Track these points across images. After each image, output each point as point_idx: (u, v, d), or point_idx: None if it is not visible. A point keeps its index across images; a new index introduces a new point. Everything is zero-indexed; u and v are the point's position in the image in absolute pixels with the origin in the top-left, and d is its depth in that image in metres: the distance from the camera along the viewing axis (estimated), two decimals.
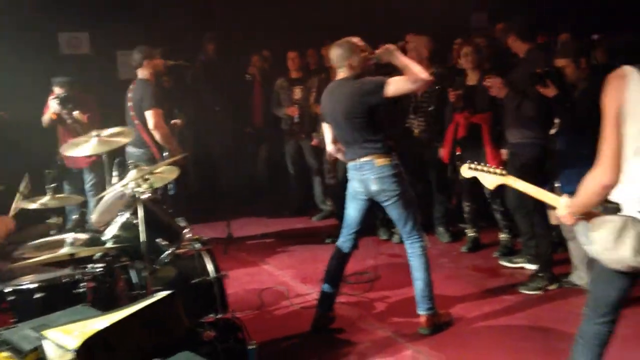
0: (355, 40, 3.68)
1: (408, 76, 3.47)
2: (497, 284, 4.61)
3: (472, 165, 3.01)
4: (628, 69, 2.27)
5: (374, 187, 3.67)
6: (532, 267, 4.68)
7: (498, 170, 2.91)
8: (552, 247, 4.55)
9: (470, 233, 5.46)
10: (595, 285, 2.54)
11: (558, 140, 4.13)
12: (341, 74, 3.71)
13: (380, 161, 3.63)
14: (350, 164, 3.78)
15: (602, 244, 2.28)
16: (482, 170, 2.96)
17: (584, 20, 6.92)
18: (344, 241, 3.94)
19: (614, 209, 2.28)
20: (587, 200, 2.33)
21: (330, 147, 3.96)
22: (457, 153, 5.14)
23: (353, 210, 3.87)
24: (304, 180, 6.94)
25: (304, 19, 7.33)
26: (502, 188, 4.76)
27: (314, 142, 6.33)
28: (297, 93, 6.48)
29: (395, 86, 3.49)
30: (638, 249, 2.19)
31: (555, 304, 4.16)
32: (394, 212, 3.74)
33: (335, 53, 3.69)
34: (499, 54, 5.42)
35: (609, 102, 2.27)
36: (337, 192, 5.86)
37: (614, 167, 2.24)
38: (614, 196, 2.29)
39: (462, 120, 5.06)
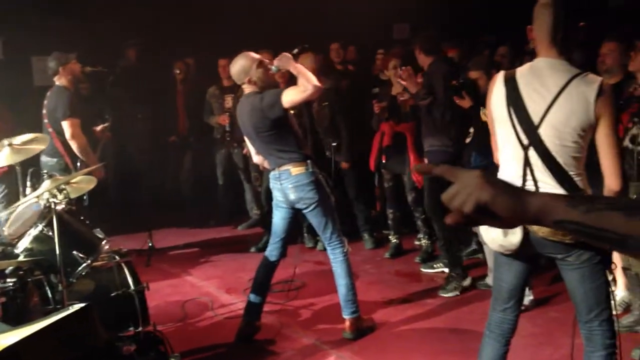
0: (252, 54, 3.71)
1: (299, 85, 3.53)
2: (419, 288, 4.75)
3: None
4: (497, 76, 2.51)
5: (292, 196, 3.72)
6: (458, 271, 4.85)
7: None
8: (458, 246, 4.78)
9: (393, 239, 5.59)
10: (495, 273, 2.70)
11: (472, 149, 4.32)
12: (246, 89, 3.73)
13: (296, 170, 3.68)
14: (271, 174, 3.82)
15: (481, 226, 2.49)
16: None
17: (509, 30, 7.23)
18: (271, 250, 3.96)
19: None
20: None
21: (255, 158, 3.98)
22: (383, 161, 5.28)
23: (278, 219, 3.91)
24: (232, 190, 6.89)
25: (233, 26, 7.28)
26: (422, 194, 5.00)
27: (245, 150, 6.29)
28: (229, 101, 6.44)
29: (289, 97, 3.54)
30: (506, 230, 2.37)
31: (472, 306, 4.32)
32: (314, 219, 3.80)
33: (233, 70, 3.72)
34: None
35: (488, 104, 2.55)
36: (263, 200, 5.89)
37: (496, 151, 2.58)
38: None
39: (387, 130, 5.20)
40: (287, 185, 3.70)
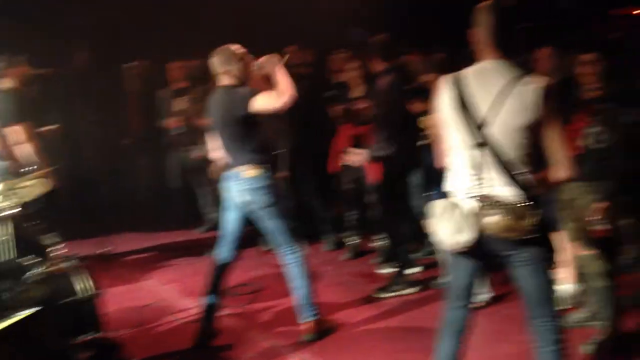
0: (234, 48, 3.71)
1: (277, 91, 3.52)
2: (379, 285, 4.78)
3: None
4: (442, 79, 2.58)
5: (246, 198, 3.71)
6: (412, 270, 4.91)
7: None
8: (405, 243, 4.84)
9: (352, 241, 5.63)
10: (448, 271, 2.78)
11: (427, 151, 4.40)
12: (222, 80, 3.73)
13: (254, 172, 3.67)
14: (226, 173, 3.80)
15: (433, 226, 2.56)
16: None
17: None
18: (224, 251, 3.92)
19: (448, 194, 2.59)
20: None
21: (214, 153, 3.94)
22: (342, 163, 5.32)
23: (231, 219, 3.88)
24: (187, 193, 6.81)
25: (188, 28, 7.21)
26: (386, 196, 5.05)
27: (197, 154, 6.23)
28: (180, 104, 6.37)
29: (261, 103, 3.54)
30: (457, 229, 2.46)
31: (429, 304, 4.37)
32: (267, 222, 3.79)
33: (214, 61, 3.71)
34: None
35: (436, 108, 2.61)
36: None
37: (444, 155, 2.65)
38: (449, 183, 2.60)
39: (344, 132, 5.24)
40: (243, 186, 3.69)
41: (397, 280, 4.64)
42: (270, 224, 3.79)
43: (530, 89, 2.40)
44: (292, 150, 5.46)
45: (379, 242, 5.50)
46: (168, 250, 6.06)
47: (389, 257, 5.37)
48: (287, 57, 3.85)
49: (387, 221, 4.84)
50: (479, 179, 2.48)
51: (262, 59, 3.66)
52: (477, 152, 2.47)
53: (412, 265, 4.93)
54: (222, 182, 3.90)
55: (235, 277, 4.62)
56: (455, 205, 2.50)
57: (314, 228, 6.07)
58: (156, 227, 6.81)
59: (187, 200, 6.83)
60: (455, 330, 2.73)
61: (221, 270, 3.93)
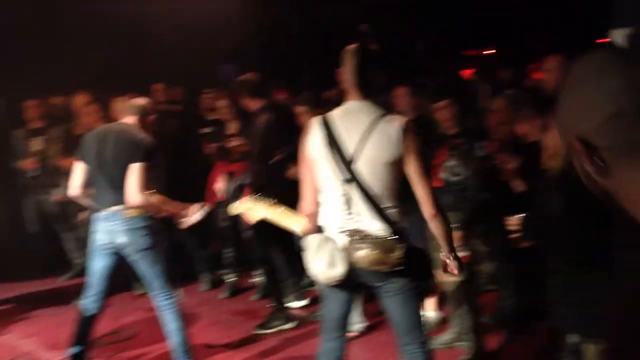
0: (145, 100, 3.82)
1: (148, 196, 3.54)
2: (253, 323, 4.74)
3: (243, 201, 3.48)
4: (313, 120, 2.70)
5: (122, 239, 3.53)
6: (298, 304, 4.95)
7: (269, 200, 3.39)
8: (283, 278, 4.90)
9: (230, 278, 5.55)
10: (323, 303, 2.86)
11: None
12: (125, 120, 3.68)
13: (132, 212, 3.52)
14: (97, 214, 3.60)
15: (306, 260, 2.64)
16: (257, 202, 3.41)
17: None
18: (91, 300, 3.70)
19: (320, 229, 2.67)
20: (305, 226, 2.76)
21: (75, 192, 3.72)
22: (217, 200, 5.27)
23: (99, 266, 3.66)
24: (49, 238, 6.37)
25: (50, 66, 6.84)
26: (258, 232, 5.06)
27: (57, 197, 5.87)
28: (37, 144, 6.00)
29: (136, 177, 3.47)
30: (329, 263, 2.56)
31: (310, 338, 4.38)
32: (143, 266, 3.62)
33: (132, 102, 3.72)
34: None
35: (306, 148, 2.69)
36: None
37: (312, 201, 2.70)
38: (320, 219, 2.69)
39: (220, 169, 5.22)
40: (119, 227, 3.51)
41: (277, 315, 4.64)
42: (147, 268, 3.61)
43: (392, 126, 2.57)
44: (166, 188, 5.30)
45: (257, 278, 5.49)
46: (29, 301, 5.59)
47: (267, 292, 5.37)
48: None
49: (266, 257, 4.85)
50: (349, 213, 2.59)
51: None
52: (346, 188, 2.58)
53: (291, 299, 4.96)
54: (92, 224, 3.70)
55: (105, 325, 4.39)
56: (327, 240, 2.59)
57: (190, 267, 5.94)
58: (15, 276, 6.25)
59: (50, 246, 6.39)
60: (332, 357, 2.80)
61: (89, 320, 3.70)
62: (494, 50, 11.62)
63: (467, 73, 5.56)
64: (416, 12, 8.70)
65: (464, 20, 9.30)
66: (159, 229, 3.64)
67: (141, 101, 3.78)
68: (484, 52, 11.56)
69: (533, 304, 4.40)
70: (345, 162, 2.57)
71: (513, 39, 9.61)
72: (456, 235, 3.61)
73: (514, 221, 2.76)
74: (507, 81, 6.21)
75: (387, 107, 2.81)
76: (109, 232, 3.55)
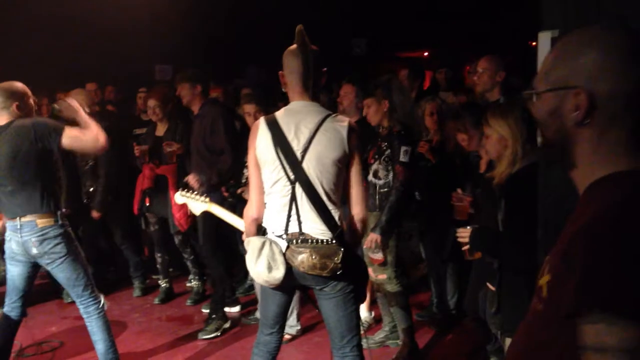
0: (22, 85, 3.42)
1: (90, 136, 3.28)
2: (190, 330, 4.64)
3: (182, 193, 3.63)
4: (259, 121, 2.65)
5: (35, 250, 3.32)
6: (234, 309, 4.87)
7: (203, 198, 3.58)
8: (230, 285, 4.85)
9: (162, 284, 5.41)
10: (261, 302, 2.88)
11: None
12: (5, 117, 3.34)
13: (43, 222, 3.31)
14: (8, 223, 3.38)
15: (247, 261, 2.60)
16: (191, 198, 3.59)
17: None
18: (10, 309, 3.51)
19: (263, 232, 2.64)
20: (247, 230, 2.71)
21: None
22: (146, 204, 5.10)
23: (15, 274, 3.46)
24: None
25: None
26: (188, 236, 4.97)
27: None
28: None
29: (73, 140, 3.28)
30: (270, 266, 2.53)
31: (244, 340, 4.35)
32: (61, 275, 3.43)
33: (2, 92, 3.34)
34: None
35: (249, 150, 2.65)
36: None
37: (258, 202, 2.66)
38: (264, 221, 2.66)
39: (147, 172, 5.06)
40: (31, 238, 3.29)
41: (214, 319, 4.55)
42: (64, 276, 3.44)
43: (340, 126, 2.57)
44: (101, 191, 5.12)
45: (192, 282, 5.37)
46: None
47: (202, 297, 5.27)
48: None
49: (206, 260, 4.77)
50: (292, 215, 2.57)
51: (61, 104, 3.47)
52: (293, 187, 2.55)
53: (230, 303, 4.88)
54: (5, 233, 3.47)
55: (31, 334, 4.20)
56: (269, 242, 2.55)
57: (122, 273, 5.76)
58: None
59: None
60: (267, 351, 2.82)
61: (7, 329, 3.52)
62: (427, 53, 11.86)
63: (402, 74, 5.59)
64: (353, 12, 8.76)
65: (401, 21, 9.43)
66: (72, 237, 3.45)
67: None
68: (417, 54, 11.80)
69: (461, 303, 4.54)
70: (292, 162, 2.54)
71: (446, 42, 9.82)
72: (372, 237, 3.64)
73: (464, 233, 2.73)
74: (442, 82, 6.33)
75: (330, 108, 2.80)
76: (20, 243, 3.33)
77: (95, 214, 5.17)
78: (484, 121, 2.77)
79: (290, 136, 2.55)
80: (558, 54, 1.14)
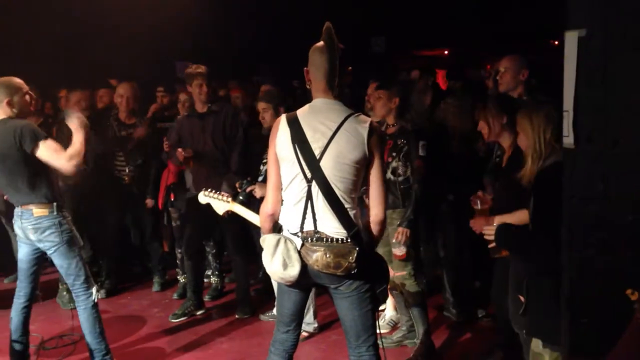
0: (19, 80, 3.52)
1: (67, 152, 3.40)
2: (207, 326, 4.66)
3: (206, 193, 3.63)
4: (281, 118, 2.64)
5: (32, 237, 3.53)
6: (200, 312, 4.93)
7: (225, 198, 3.58)
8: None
9: (181, 279, 5.44)
10: (277, 299, 2.86)
11: None
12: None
13: (39, 211, 3.49)
14: (15, 209, 3.59)
15: (263, 258, 2.60)
16: (214, 197, 3.59)
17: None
18: (19, 289, 3.66)
19: (279, 229, 2.64)
20: (263, 227, 2.73)
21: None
22: (171, 199, 5.15)
23: (23, 255, 3.65)
24: None
25: None
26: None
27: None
28: None
29: (47, 153, 3.39)
30: (285, 263, 2.52)
31: (260, 337, 4.36)
32: (56, 261, 3.63)
33: None
34: None
35: (269, 146, 2.65)
36: None
37: (275, 199, 2.65)
38: (280, 219, 2.66)
39: (172, 167, 5.11)
40: (27, 225, 3.50)
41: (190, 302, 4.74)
42: (59, 263, 3.62)
43: (361, 126, 2.56)
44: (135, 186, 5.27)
45: (210, 278, 5.40)
46: None
47: (220, 293, 5.30)
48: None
49: (231, 254, 4.84)
50: (307, 213, 2.56)
51: (72, 114, 3.58)
52: (310, 186, 2.54)
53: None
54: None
55: (53, 327, 4.25)
56: (284, 240, 2.54)
57: (144, 268, 5.81)
58: None
59: None
60: (284, 350, 2.81)
61: (21, 312, 3.65)
62: (447, 51, 11.79)
63: (413, 74, 5.57)
64: (372, 10, 8.73)
65: (420, 19, 9.38)
66: (68, 227, 3.58)
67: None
68: (437, 52, 11.73)
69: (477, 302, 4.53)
70: (310, 161, 2.53)
71: (466, 40, 9.75)
72: (404, 231, 3.67)
73: (489, 230, 2.74)
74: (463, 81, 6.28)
75: (351, 105, 2.76)
76: (22, 229, 3.55)
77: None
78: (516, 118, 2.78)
79: (309, 134, 2.54)
80: None
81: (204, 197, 3.61)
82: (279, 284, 2.76)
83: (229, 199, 3.56)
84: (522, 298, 2.66)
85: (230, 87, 6.91)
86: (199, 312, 4.86)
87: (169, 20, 7.26)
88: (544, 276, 2.48)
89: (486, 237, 2.79)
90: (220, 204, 3.57)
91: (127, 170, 5.29)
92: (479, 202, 3.04)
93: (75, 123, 3.51)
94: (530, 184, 2.63)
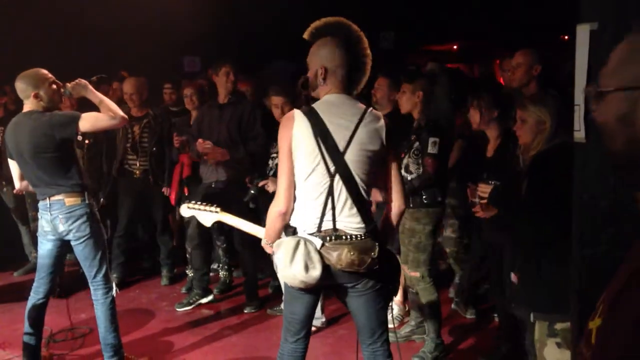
0: (44, 71, 3.50)
1: (105, 112, 3.46)
2: (216, 320, 4.68)
3: (190, 205, 3.24)
4: (295, 112, 2.56)
5: (61, 227, 3.50)
6: (205, 300, 4.94)
7: (213, 208, 3.16)
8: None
9: (190, 273, 5.45)
10: (286, 305, 2.74)
11: None
12: (27, 106, 3.48)
13: (71, 200, 3.48)
14: (40, 203, 3.55)
15: (280, 263, 2.47)
16: (199, 209, 3.19)
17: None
18: (37, 285, 3.64)
19: (292, 231, 2.55)
20: (271, 228, 2.60)
21: (19, 185, 3.69)
22: (185, 194, 5.15)
23: (44, 251, 3.62)
24: (4, 232, 6.16)
25: None
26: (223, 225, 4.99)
27: (16, 189, 5.65)
28: None
29: (91, 122, 3.44)
30: (307, 266, 2.43)
31: (269, 332, 4.38)
32: (81, 254, 3.60)
33: (22, 82, 3.45)
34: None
35: (281, 141, 2.54)
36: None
37: (287, 195, 2.53)
38: (292, 220, 2.56)
39: (186, 161, 5.10)
40: (58, 216, 3.48)
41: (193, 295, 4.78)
42: (84, 256, 3.59)
43: (377, 123, 2.54)
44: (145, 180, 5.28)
45: (219, 272, 5.41)
46: None
47: (228, 287, 5.31)
48: (96, 78, 3.73)
49: (200, 248, 4.82)
50: (327, 210, 2.49)
51: (71, 84, 3.53)
52: (332, 180, 2.48)
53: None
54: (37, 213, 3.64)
55: (61, 321, 4.27)
56: (303, 242, 2.45)
57: (154, 261, 5.83)
58: None
59: (3, 241, 6.18)
60: (295, 358, 2.71)
61: (37, 307, 3.63)
62: (456, 46, 11.72)
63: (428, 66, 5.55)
64: (381, 4, 8.69)
65: (429, 14, 9.33)
66: (97, 218, 3.59)
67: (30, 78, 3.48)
68: (446, 47, 11.66)
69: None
70: (334, 154, 2.47)
71: (476, 35, 9.69)
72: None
73: (485, 188, 2.89)
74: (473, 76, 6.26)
75: (366, 102, 2.79)
76: (50, 220, 3.51)
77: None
78: (521, 107, 2.79)
79: (332, 127, 2.48)
80: (636, 47, 0.92)
81: (187, 210, 3.24)
82: (288, 290, 2.66)
83: (217, 209, 3.16)
84: (514, 275, 2.75)
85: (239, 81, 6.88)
86: (205, 300, 4.90)
87: (177, 15, 7.25)
88: (532, 247, 2.59)
89: (480, 193, 2.93)
90: (207, 215, 3.19)
91: (137, 164, 5.31)
92: (481, 192, 3.07)
93: (81, 90, 3.52)
94: (525, 166, 2.76)
